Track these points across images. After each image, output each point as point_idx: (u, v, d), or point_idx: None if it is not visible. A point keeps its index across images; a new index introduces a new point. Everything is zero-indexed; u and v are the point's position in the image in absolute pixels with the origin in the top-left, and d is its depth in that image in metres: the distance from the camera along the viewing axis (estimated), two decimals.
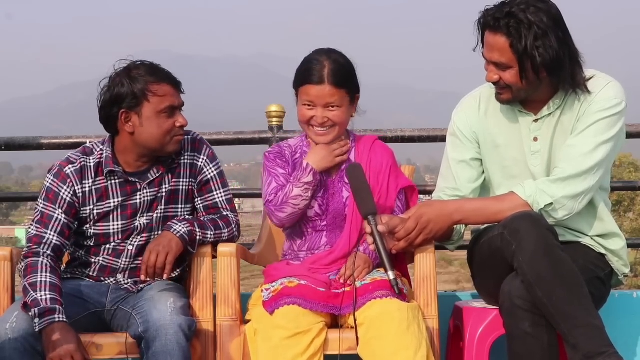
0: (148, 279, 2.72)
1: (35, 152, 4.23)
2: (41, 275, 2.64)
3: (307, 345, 2.51)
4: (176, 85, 2.79)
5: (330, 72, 2.73)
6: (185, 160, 2.89)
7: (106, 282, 2.85)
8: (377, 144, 2.91)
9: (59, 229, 2.75)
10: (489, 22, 2.60)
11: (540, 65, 2.56)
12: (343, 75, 2.76)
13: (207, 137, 4.01)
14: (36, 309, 2.56)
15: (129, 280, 2.85)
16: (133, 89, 2.71)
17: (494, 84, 2.68)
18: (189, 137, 2.92)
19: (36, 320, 2.56)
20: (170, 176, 2.86)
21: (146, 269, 2.68)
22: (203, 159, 2.91)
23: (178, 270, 2.90)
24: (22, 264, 2.71)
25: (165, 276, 2.69)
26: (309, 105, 2.77)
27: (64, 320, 2.57)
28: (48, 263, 2.68)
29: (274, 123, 4.01)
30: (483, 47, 2.66)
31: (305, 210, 2.79)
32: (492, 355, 2.71)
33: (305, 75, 2.76)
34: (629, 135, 3.07)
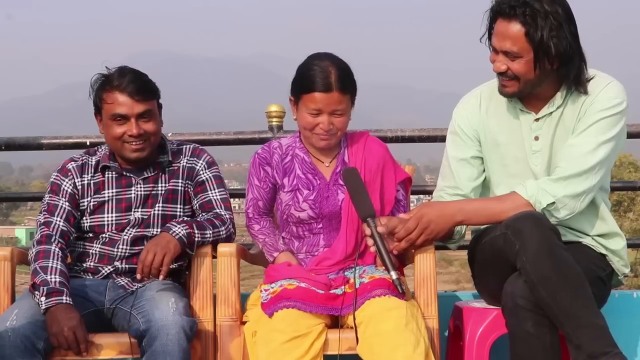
0: (145, 279, 2.74)
1: (35, 152, 4.25)
2: (53, 262, 2.74)
3: (306, 349, 2.51)
4: (134, 94, 2.82)
5: (338, 79, 2.69)
6: (184, 164, 2.98)
7: (104, 270, 2.86)
8: (369, 140, 2.90)
9: (64, 215, 2.88)
10: (503, 10, 2.58)
11: (554, 56, 2.56)
12: (348, 81, 2.73)
13: (207, 137, 4.04)
14: (45, 287, 2.65)
15: (126, 279, 2.86)
16: (95, 94, 2.89)
17: (500, 75, 2.66)
18: (191, 146, 3.04)
19: (42, 299, 2.63)
20: (166, 176, 2.95)
21: (142, 268, 2.70)
22: (201, 164, 3.00)
23: (175, 265, 2.90)
24: (34, 249, 2.79)
25: (160, 277, 2.71)
26: (314, 113, 2.72)
27: (70, 302, 2.65)
28: (59, 253, 2.78)
29: (274, 123, 4.00)
30: (490, 37, 2.65)
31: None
32: (492, 355, 2.71)
33: (310, 82, 2.69)
34: (629, 135, 3.05)
